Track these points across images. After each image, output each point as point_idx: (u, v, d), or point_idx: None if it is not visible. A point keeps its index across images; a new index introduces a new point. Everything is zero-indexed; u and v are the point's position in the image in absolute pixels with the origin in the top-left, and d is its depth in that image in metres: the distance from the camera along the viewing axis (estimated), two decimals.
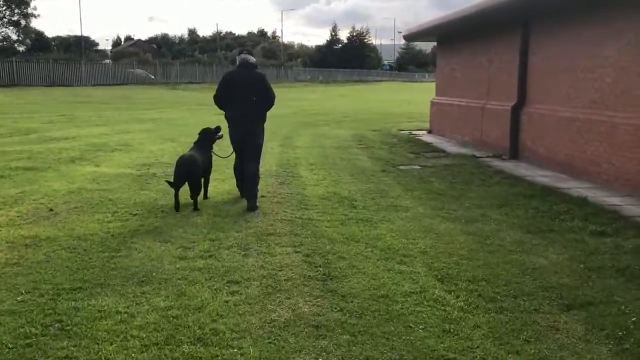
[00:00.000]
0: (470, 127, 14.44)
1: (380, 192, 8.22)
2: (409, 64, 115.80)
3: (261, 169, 7.77)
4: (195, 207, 6.87)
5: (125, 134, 15.43)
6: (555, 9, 10.26)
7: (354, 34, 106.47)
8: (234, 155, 7.62)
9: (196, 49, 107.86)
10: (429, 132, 17.84)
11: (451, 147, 13.97)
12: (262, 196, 7.62)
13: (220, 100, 7.33)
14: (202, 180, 7.28)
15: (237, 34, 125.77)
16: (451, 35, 15.71)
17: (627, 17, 8.32)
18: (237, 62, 7.36)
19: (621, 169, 8.38)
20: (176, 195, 6.82)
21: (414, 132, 17.75)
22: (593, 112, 9.18)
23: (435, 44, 18.44)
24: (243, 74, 7.22)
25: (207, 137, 7.62)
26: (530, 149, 11.28)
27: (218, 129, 7.73)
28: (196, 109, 26.65)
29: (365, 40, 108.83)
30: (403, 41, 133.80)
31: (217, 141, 7.82)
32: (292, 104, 32.55)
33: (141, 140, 14.03)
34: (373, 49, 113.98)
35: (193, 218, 6.46)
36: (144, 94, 38.51)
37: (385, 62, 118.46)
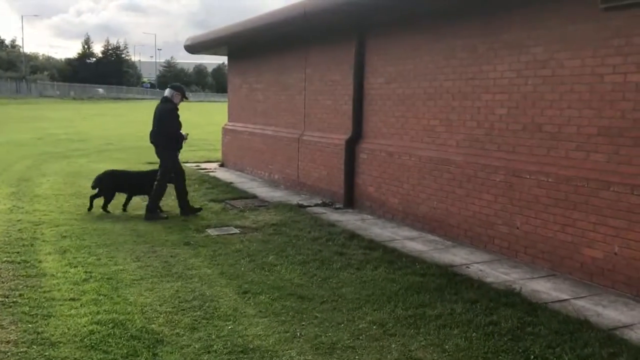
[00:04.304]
0: (281, 164, 11.42)
1: (202, 306, 4.55)
2: (171, 82, 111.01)
3: None
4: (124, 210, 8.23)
5: None
6: (407, 10, 7.76)
7: (110, 48, 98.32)
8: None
9: None
10: (222, 165, 14.43)
11: (261, 190, 10.75)
12: None
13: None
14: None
15: None
16: (251, 46, 12.57)
17: (532, 23, 6.03)
18: None
19: (532, 236, 6.02)
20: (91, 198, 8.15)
21: (202, 166, 14.16)
22: (477, 154, 6.77)
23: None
24: (158, 106, 8.21)
25: None
26: (374, 198, 8.60)
27: None
28: None
29: (123, 56, 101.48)
30: (164, 58, 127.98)
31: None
32: (36, 125, 26.32)
33: None
34: (132, 65, 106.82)
35: None
36: None
37: (146, 80, 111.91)
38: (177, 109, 8.19)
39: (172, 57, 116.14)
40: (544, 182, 5.87)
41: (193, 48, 14.28)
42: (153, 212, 7.91)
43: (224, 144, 14.47)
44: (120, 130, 25.73)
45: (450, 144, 7.22)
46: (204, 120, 31.64)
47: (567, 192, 5.61)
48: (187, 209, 8.16)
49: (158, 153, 8.16)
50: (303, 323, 4.27)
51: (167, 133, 8.05)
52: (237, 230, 7.27)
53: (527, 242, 6.09)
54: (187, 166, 13.94)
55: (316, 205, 9.24)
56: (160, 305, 4.52)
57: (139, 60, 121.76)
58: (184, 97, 8.31)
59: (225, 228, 7.40)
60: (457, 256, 6.36)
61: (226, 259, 5.91)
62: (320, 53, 10.12)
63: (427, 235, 7.33)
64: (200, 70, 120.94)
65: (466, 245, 6.83)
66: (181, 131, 8.20)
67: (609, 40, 5.22)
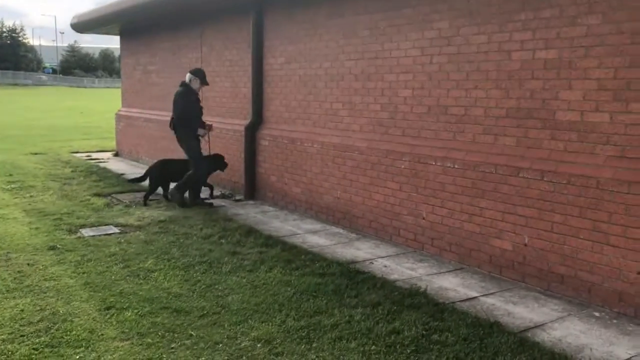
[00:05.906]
0: (179, 153, 10.45)
1: (49, 328, 3.73)
2: (75, 67, 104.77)
3: None
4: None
5: None
6: None
7: (4, 30, 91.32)
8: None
9: None
10: (116, 154, 13.27)
11: None
12: None
13: None
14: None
15: None
16: (143, 24, 11.49)
17: None
18: None
19: (438, 227, 5.58)
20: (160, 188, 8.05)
21: (94, 156, 12.94)
22: (381, 139, 6.25)
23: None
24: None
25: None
26: (276, 188, 7.95)
27: None
28: None
29: (20, 39, 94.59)
30: (67, 43, 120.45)
31: None
32: None
33: None
34: (30, 49, 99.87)
35: None
36: None
37: (47, 65, 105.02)
38: (196, 94, 7.90)
39: (75, 41, 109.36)
40: (450, 168, 5.43)
41: (81, 26, 12.95)
42: (196, 198, 7.79)
43: (118, 132, 13.30)
44: (5, 118, 23.53)
45: (354, 129, 6.67)
46: (104, 107, 29.79)
47: (475, 179, 5.20)
48: (196, 198, 7.89)
49: (179, 141, 7.97)
50: (173, 345, 3.55)
51: (180, 118, 7.75)
52: (116, 230, 6.39)
53: (433, 234, 5.65)
54: (78, 157, 12.72)
55: (215, 197, 8.47)
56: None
57: (40, 45, 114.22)
58: (204, 83, 7.90)
59: (104, 227, 6.49)
60: (361, 250, 5.84)
61: (95, 266, 5.06)
62: (216, 30, 9.29)
63: (331, 228, 6.77)
64: (107, 54, 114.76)
65: (371, 237, 6.33)
66: (203, 120, 7.99)
67: (516, 14, 4.81)
